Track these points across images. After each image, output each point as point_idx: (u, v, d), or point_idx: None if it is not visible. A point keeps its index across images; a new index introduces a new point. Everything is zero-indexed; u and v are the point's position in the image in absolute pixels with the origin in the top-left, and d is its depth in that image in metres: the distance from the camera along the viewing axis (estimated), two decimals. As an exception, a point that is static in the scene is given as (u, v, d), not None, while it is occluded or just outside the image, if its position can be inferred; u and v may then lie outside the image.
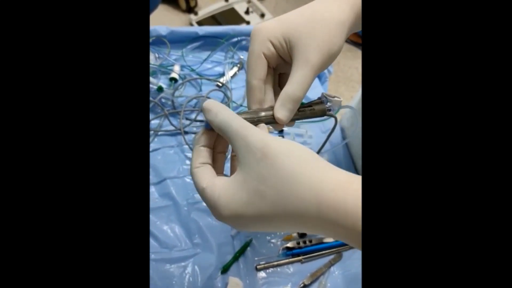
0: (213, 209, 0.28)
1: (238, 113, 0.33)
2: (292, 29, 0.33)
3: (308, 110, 0.35)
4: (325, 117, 0.37)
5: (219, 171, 0.33)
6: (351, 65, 1.98)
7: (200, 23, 1.82)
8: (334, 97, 0.36)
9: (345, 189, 0.25)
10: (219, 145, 0.33)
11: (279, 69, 0.38)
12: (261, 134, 0.27)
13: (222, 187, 0.27)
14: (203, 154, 0.31)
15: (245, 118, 0.33)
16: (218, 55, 0.76)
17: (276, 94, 0.37)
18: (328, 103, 0.36)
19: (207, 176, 0.29)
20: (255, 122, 0.33)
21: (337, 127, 0.77)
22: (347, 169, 0.63)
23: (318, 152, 0.45)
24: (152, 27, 0.74)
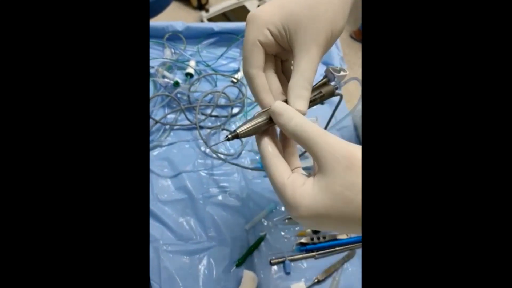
0: (292, 207, 0.28)
1: (258, 112, 0.32)
2: (292, 14, 0.31)
3: (318, 96, 0.34)
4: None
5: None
6: (355, 61, 1.98)
7: (211, 20, 1.83)
8: (339, 71, 0.34)
9: None
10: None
11: (281, 56, 0.36)
12: (343, 142, 0.27)
13: (304, 188, 0.28)
14: (274, 146, 0.31)
15: (264, 116, 0.33)
16: (233, 51, 0.77)
17: (281, 81, 0.36)
18: (335, 80, 0.34)
19: (286, 170, 0.29)
20: None
21: (350, 125, 0.77)
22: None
23: (325, 128, 0.44)
24: (169, 22, 0.75)
